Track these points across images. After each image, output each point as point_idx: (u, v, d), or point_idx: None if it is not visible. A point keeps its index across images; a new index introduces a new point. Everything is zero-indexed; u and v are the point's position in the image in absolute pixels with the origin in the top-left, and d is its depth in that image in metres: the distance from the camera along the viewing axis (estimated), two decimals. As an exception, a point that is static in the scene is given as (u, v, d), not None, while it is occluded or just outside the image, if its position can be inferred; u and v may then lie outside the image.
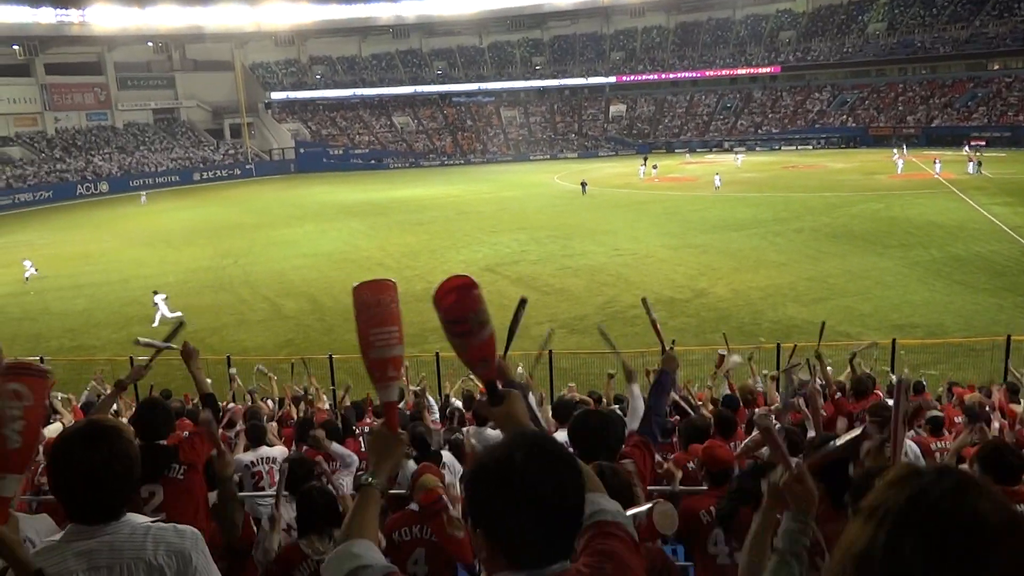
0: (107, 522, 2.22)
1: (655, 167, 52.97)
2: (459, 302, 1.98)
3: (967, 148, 51.76)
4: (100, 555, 2.18)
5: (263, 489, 6.26)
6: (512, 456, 1.67)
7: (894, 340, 13.83)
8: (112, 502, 2.25)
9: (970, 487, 1.21)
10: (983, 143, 56.59)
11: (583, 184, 45.13)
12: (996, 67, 67.93)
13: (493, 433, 8.18)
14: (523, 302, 3.37)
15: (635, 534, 2.01)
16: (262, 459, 6.56)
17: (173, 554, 2.25)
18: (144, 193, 53.56)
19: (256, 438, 6.80)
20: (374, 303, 2.02)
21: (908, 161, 48.30)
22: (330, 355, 14.79)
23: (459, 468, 6.13)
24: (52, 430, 7.21)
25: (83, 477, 2.19)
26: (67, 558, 2.15)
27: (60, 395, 10.21)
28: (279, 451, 6.81)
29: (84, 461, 2.19)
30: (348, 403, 10.84)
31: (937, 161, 46.22)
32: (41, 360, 14.05)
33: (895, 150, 53.94)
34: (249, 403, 9.99)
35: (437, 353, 14.04)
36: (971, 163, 45.10)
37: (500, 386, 2.17)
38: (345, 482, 5.11)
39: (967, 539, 1.14)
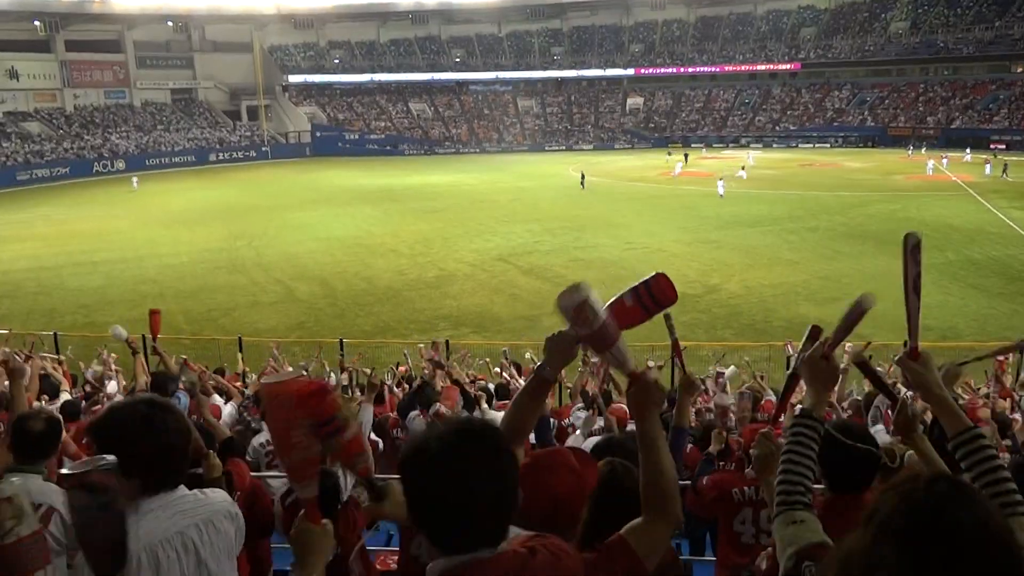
0: (172, 491, 2.40)
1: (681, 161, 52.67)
2: (322, 404, 1.91)
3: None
4: (186, 514, 2.38)
5: (277, 468, 6.38)
6: (428, 443, 1.68)
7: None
8: (179, 471, 2.45)
9: (957, 496, 1.22)
10: (1003, 146, 55.98)
11: (582, 176, 44.56)
12: (1020, 69, 67.11)
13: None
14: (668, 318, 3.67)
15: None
16: None
17: (229, 516, 2.51)
18: (136, 177, 52.41)
19: None
20: (297, 402, 1.89)
21: (935, 165, 47.71)
22: (340, 339, 14.84)
23: None
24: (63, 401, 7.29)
25: (161, 448, 2.36)
26: (161, 521, 2.32)
27: (51, 356, 10.23)
28: None
29: (163, 433, 2.35)
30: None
31: (945, 159, 45.87)
32: (56, 337, 14.17)
33: (923, 150, 53.43)
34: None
35: (447, 341, 14.08)
36: (988, 165, 44.69)
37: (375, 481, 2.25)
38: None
39: (941, 549, 1.15)
